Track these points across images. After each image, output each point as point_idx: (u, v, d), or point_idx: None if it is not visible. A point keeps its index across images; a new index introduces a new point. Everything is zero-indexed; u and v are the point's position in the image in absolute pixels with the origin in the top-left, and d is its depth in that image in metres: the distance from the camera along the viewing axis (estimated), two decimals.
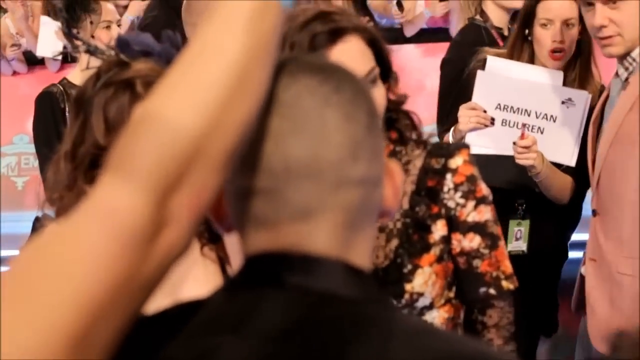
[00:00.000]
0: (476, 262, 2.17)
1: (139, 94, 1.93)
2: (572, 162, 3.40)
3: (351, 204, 1.10)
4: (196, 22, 3.54)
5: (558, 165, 3.43)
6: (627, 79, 3.01)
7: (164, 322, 1.15)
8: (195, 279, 2.05)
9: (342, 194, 1.10)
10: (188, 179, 1.06)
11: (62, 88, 4.30)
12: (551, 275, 3.78)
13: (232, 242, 2.03)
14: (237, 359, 1.05)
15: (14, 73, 7.13)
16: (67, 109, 4.16)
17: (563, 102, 3.40)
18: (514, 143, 3.29)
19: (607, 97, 3.14)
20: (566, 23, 3.41)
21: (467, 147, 2.19)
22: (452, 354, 1.05)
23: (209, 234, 2.08)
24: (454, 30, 7.26)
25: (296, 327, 1.06)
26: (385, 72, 2.10)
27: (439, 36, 6.35)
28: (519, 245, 3.57)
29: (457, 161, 2.14)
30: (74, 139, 1.98)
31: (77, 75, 4.28)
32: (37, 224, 3.83)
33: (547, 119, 3.41)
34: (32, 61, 6.79)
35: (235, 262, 2.04)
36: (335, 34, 2.04)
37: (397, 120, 2.13)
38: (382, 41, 2.10)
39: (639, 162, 2.88)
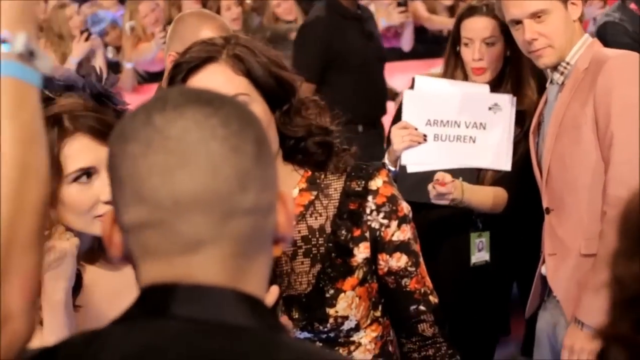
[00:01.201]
0: (405, 281, 2.19)
1: (67, 129, 1.96)
2: (507, 166, 3.50)
3: (241, 233, 1.14)
4: (170, 48, 3.45)
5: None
6: (563, 83, 3.14)
7: (63, 349, 1.17)
8: None
9: (232, 224, 1.13)
10: (9, 268, 1.13)
11: None
12: (509, 281, 3.90)
13: None
14: None
15: None
16: None
17: (490, 109, 3.50)
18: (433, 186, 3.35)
19: (545, 104, 3.25)
20: (485, 42, 3.54)
21: (384, 167, 2.21)
22: None
23: None
24: (406, 46, 7.33)
25: (187, 358, 1.09)
26: (272, 96, 2.08)
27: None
28: (482, 255, 3.64)
29: (377, 182, 2.16)
30: None
31: None
32: None
33: (477, 127, 3.50)
34: None
35: None
36: (201, 63, 2.05)
37: (310, 148, 2.12)
38: (259, 70, 2.07)
39: (587, 144, 3.00)
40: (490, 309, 3.72)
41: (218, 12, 6.53)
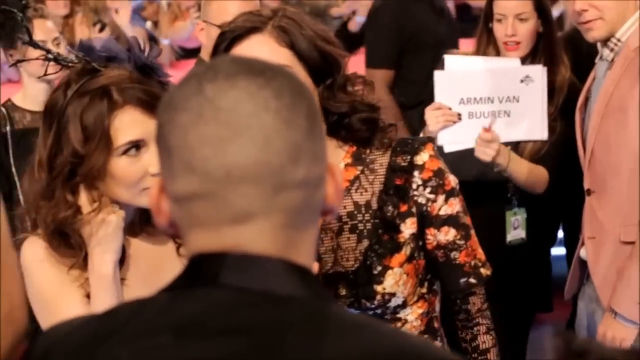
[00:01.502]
0: (454, 254, 2.18)
1: (116, 101, 1.95)
2: (543, 135, 3.51)
3: (292, 205, 1.13)
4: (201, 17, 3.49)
5: (536, 154, 3.50)
6: (612, 60, 3.08)
7: (108, 320, 1.17)
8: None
9: (283, 196, 1.12)
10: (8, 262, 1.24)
11: (5, 111, 4.12)
12: (547, 258, 3.88)
13: None
14: (178, 359, 1.07)
15: (9, 80, 7.15)
16: (9, 133, 4.05)
17: (522, 81, 3.50)
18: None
19: (593, 80, 3.21)
20: (518, 17, 3.57)
21: (431, 141, 2.19)
22: (386, 349, 1.07)
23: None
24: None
25: (235, 327, 1.08)
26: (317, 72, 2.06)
27: None
28: (518, 233, 3.66)
29: (422, 157, 2.14)
30: (49, 149, 1.98)
31: (21, 96, 4.17)
32: None
33: (510, 100, 3.50)
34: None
35: None
36: (246, 33, 2.03)
37: (354, 124, 2.10)
38: (307, 44, 2.05)
39: (633, 129, 2.95)
40: (525, 288, 3.70)
41: None
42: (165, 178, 1.16)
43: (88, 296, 1.99)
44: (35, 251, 2.01)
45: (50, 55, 2.08)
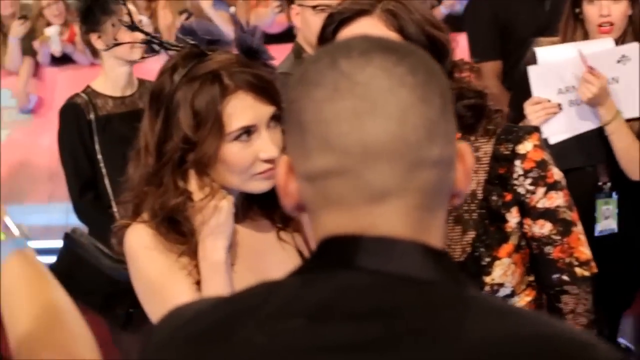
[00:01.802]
0: (548, 249, 2.14)
1: (228, 86, 1.92)
2: (635, 112, 3.47)
3: (427, 185, 1.10)
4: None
5: None
6: None
7: (239, 303, 1.15)
8: (277, 263, 2.06)
9: (418, 175, 1.09)
10: None
11: (87, 98, 4.10)
12: (638, 251, 3.76)
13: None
14: (314, 343, 1.05)
15: (92, 64, 7.23)
16: (93, 119, 4.04)
17: (618, 61, 3.46)
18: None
19: None
20: None
21: (537, 130, 2.14)
22: (528, 334, 1.04)
23: (282, 218, 2.09)
24: None
25: (373, 310, 1.06)
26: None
27: None
28: (609, 224, 3.56)
29: (526, 146, 2.10)
30: (157, 135, 1.96)
31: (102, 82, 4.15)
32: (68, 240, 3.87)
33: (609, 82, 3.44)
34: None
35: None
36: (354, 15, 2.02)
37: (459, 111, 2.06)
38: (414, 27, 2.03)
39: None
40: (615, 282, 3.62)
41: None
42: (295, 156, 1.14)
43: (196, 283, 1.97)
44: (142, 238, 1.99)
45: (153, 39, 2.05)
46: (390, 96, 1.09)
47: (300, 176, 1.14)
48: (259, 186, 1.98)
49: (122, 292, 3.90)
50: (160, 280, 1.97)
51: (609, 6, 3.48)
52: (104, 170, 4.00)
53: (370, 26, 1.99)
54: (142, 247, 1.98)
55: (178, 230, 1.97)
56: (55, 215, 7.70)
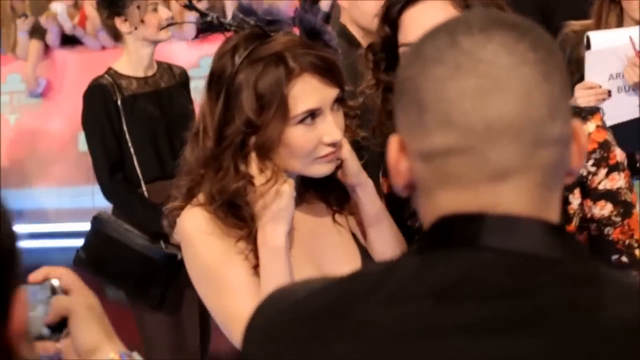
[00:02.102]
0: (607, 230, 2.11)
1: (293, 69, 1.88)
2: None
3: (548, 163, 1.09)
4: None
5: None
6: None
7: (354, 284, 1.14)
8: (333, 247, 2.04)
9: (540, 153, 1.08)
10: None
11: (111, 79, 4.05)
12: None
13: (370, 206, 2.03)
14: (444, 324, 1.03)
15: (103, 47, 7.20)
16: (120, 101, 4.01)
17: None
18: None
19: None
20: None
21: (599, 111, 2.12)
22: None
23: (337, 201, 2.06)
24: None
25: (503, 290, 1.04)
26: None
27: None
28: None
29: (589, 127, 2.07)
30: (218, 118, 1.91)
31: (124, 64, 4.12)
32: (97, 223, 3.86)
33: None
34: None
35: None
36: None
37: None
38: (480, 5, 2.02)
39: None
40: None
41: None
42: (409, 135, 1.12)
43: (253, 268, 1.94)
44: (198, 222, 1.95)
45: (210, 19, 2.00)
46: (514, 73, 1.07)
47: (414, 155, 1.12)
48: (321, 170, 1.95)
49: (156, 272, 3.91)
50: (217, 264, 1.94)
51: None
52: (132, 150, 3.98)
53: (439, 7, 1.95)
54: (199, 231, 1.95)
55: (236, 214, 1.93)
56: (64, 199, 7.68)
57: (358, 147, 2.04)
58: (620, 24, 3.53)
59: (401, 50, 1.99)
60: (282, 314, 1.14)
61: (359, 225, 2.09)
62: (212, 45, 7.20)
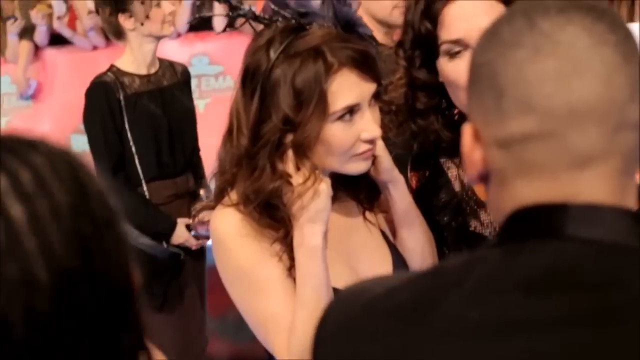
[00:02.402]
0: None
1: (331, 64, 1.82)
2: None
3: (628, 148, 1.07)
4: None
5: None
6: None
7: (434, 279, 1.11)
8: (364, 245, 2.00)
9: (621, 137, 1.06)
10: None
11: (114, 77, 3.97)
12: None
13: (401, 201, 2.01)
14: (534, 317, 1.00)
15: (94, 48, 7.13)
16: (123, 98, 3.94)
17: None
18: None
19: None
20: None
21: None
22: None
23: (368, 198, 2.03)
24: None
25: (594, 281, 1.02)
26: None
27: None
28: None
29: None
30: (254, 115, 1.85)
31: (127, 61, 4.04)
32: None
33: None
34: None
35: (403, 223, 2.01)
36: None
37: None
38: None
39: None
40: None
41: None
42: (485, 122, 1.09)
43: (289, 269, 1.89)
44: (232, 223, 1.89)
45: (241, 12, 1.95)
46: (595, 55, 1.05)
47: (490, 142, 1.09)
48: (358, 167, 1.90)
49: (160, 271, 3.87)
50: (252, 266, 1.88)
51: None
52: (133, 149, 3.94)
53: (481, 1, 1.92)
54: (233, 232, 1.89)
55: (272, 215, 1.88)
56: None
57: (388, 143, 2.01)
58: (631, 16, 3.52)
59: (444, 47, 1.94)
60: (360, 310, 1.11)
61: (389, 222, 2.06)
62: (203, 44, 7.22)
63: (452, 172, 2.09)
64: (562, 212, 1.05)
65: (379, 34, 3.13)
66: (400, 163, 2.04)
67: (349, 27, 1.89)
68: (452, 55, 1.94)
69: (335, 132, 1.84)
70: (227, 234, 1.90)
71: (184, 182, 4.07)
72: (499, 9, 1.89)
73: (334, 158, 1.87)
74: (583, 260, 1.03)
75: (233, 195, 1.91)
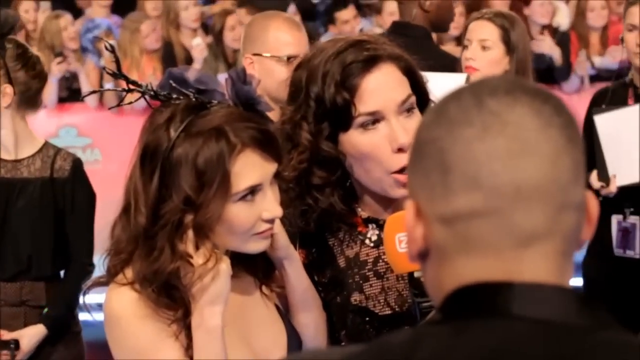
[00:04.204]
0: None
1: (234, 144, 1.79)
2: None
3: (568, 229, 1.08)
4: (244, 54, 3.48)
5: None
6: None
7: (381, 355, 1.09)
8: (261, 321, 1.98)
9: (563, 218, 1.07)
10: None
11: None
12: None
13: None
14: None
15: None
16: None
17: None
18: None
19: None
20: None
21: None
22: None
23: (264, 273, 2.01)
24: None
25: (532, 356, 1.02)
26: (422, 100, 2.02)
27: None
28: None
29: None
30: (153, 196, 1.80)
31: None
32: None
33: None
34: None
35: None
36: (370, 62, 1.96)
37: None
38: (417, 69, 2.04)
39: None
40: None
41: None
42: (429, 198, 1.10)
43: (187, 348, 1.84)
44: (128, 303, 1.83)
45: (145, 89, 1.87)
46: (542, 136, 1.07)
47: (433, 219, 1.10)
48: (257, 246, 1.88)
49: None
50: (150, 348, 1.83)
51: None
52: None
53: (391, 71, 1.96)
54: (129, 313, 1.83)
55: (170, 295, 1.82)
56: None
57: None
58: None
59: (359, 120, 1.94)
60: None
61: (284, 297, 2.03)
62: (70, 116, 7.09)
63: (336, 249, 2.09)
64: (507, 290, 1.06)
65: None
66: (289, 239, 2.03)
67: (249, 105, 1.87)
68: (366, 127, 1.95)
69: (237, 213, 1.82)
70: (123, 314, 1.84)
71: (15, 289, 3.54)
72: (407, 84, 1.96)
73: (235, 237, 1.85)
74: (531, 341, 1.03)
75: (128, 273, 1.85)
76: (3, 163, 3.51)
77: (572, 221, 1.08)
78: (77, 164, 3.58)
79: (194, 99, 1.84)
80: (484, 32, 3.76)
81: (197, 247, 1.82)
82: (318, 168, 2.00)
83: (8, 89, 3.43)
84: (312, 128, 1.98)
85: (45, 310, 3.52)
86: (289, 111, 2.03)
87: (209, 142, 1.79)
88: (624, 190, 3.68)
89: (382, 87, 1.94)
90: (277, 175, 1.88)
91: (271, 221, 1.86)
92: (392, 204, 2.04)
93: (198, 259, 1.81)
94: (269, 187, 1.85)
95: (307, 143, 1.97)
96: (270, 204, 1.85)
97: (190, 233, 1.81)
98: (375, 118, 1.95)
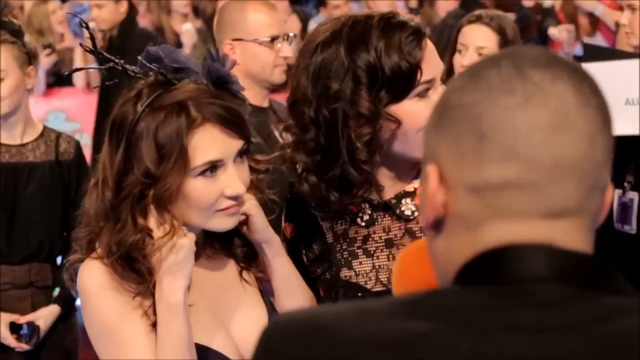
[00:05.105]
0: None
1: (195, 118, 1.81)
2: None
3: (594, 209, 1.09)
4: (222, 40, 3.44)
5: None
6: None
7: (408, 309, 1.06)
8: (239, 304, 1.98)
9: (593, 197, 1.08)
10: None
11: None
12: None
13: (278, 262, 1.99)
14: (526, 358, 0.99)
15: None
16: None
17: None
18: None
19: None
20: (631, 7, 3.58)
21: None
22: None
23: (245, 257, 2.01)
24: None
25: (570, 323, 1.02)
26: None
27: None
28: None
29: None
30: (117, 167, 1.84)
31: None
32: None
33: None
34: None
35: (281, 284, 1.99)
36: (420, 35, 1.94)
37: None
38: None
39: None
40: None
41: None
42: (457, 165, 1.08)
43: (152, 325, 1.86)
44: (97, 277, 1.86)
45: (117, 65, 1.90)
46: (582, 114, 1.06)
47: (458, 186, 1.08)
48: (222, 224, 1.89)
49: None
50: (115, 320, 1.85)
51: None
52: None
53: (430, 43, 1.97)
54: (96, 285, 1.86)
55: (134, 268, 1.85)
56: None
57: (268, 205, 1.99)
58: None
59: (420, 87, 1.92)
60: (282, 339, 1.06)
61: (267, 282, 2.04)
62: (60, 100, 7.05)
63: (325, 224, 2.07)
64: (536, 253, 1.05)
65: (250, 93, 3.12)
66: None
67: (220, 84, 1.89)
68: (422, 96, 1.93)
69: (196, 187, 1.83)
70: (92, 287, 1.87)
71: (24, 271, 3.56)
72: None
73: (196, 213, 1.86)
74: (564, 303, 1.03)
75: (99, 248, 1.88)
76: (6, 148, 3.49)
77: (597, 202, 1.09)
78: (79, 147, 3.63)
79: (161, 76, 1.86)
80: (481, 38, 3.69)
81: (161, 223, 1.84)
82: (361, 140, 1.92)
83: (33, 71, 3.46)
84: (371, 97, 1.91)
85: (57, 289, 3.56)
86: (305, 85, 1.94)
87: (170, 116, 1.81)
88: (624, 163, 3.64)
89: (434, 57, 1.95)
90: (246, 154, 1.90)
91: (234, 198, 1.86)
92: (413, 176, 2.03)
93: (158, 232, 1.84)
94: (233, 164, 1.86)
95: (368, 113, 1.90)
96: (232, 181, 1.85)
97: (151, 207, 1.84)
98: (429, 86, 1.94)
